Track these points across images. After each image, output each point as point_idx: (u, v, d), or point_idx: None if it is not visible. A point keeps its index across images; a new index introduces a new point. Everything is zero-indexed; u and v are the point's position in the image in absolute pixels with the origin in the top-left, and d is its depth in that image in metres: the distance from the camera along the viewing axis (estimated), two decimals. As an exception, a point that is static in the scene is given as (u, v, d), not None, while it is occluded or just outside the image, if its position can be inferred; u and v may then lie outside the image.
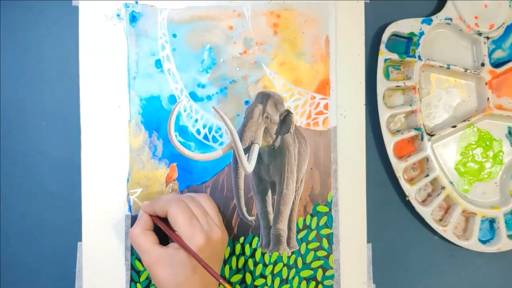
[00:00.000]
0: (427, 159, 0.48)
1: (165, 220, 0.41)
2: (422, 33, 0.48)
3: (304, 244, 0.47)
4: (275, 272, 0.47)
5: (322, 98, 0.47)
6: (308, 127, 0.47)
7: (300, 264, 0.47)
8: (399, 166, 0.47)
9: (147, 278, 0.45)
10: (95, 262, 0.45)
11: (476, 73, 0.48)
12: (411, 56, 0.48)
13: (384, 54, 0.47)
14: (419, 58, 0.48)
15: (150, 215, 0.42)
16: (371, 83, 0.48)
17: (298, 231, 0.47)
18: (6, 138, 0.46)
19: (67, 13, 0.46)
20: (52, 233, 0.46)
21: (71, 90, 0.46)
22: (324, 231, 0.47)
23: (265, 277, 0.47)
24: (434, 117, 0.50)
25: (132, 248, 0.45)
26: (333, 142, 0.47)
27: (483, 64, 0.49)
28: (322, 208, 0.47)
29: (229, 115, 0.46)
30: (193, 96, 0.47)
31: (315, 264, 0.47)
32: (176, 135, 0.46)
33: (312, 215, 0.47)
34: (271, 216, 0.47)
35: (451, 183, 0.48)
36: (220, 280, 0.37)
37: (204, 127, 0.47)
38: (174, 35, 0.46)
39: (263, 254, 0.47)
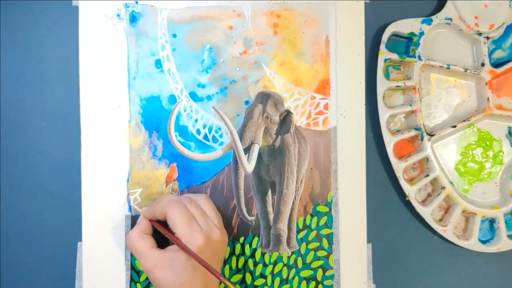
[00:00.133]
0: (427, 159, 0.48)
1: (164, 224, 0.41)
2: (422, 33, 0.48)
3: (304, 244, 0.47)
4: (275, 272, 0.47)
5: (322, 98, 0.47)
6: (308, 127, 0.47)
7: (300, 264, 0.47)
8: (399, 166, 0.47)
9: (147, 278, 0.45)
10: (95, 262, 0.45)
11: (476, 73, 0.48)
12: (411, 56, 0.48)
13: (384, 54, 0.47)
14: (419, 58, 0.48)
15: (150, 220, 0.42)
16: (371, 83, 0.48)
17: (298, 231, 0.47)
18: (6, 138, 0.46)
19: (67, 13, 0.46)
20: (52, 233, 0.46)
21: (71, 90, 0.46)
22: (324, 231, 0.47)
23: (265, 277, 0.47)
24: (434, 117, 0.50)
25: (132, 248, 0.45)
26: (333, 142, 0.47)
27: (483, 64, 0.49)
28: (322, 208, 0.47)
29: (229, 115, 0.46)
30: (193, 96, 0.47)
31: (315, 264, 0.47)
32: (176, 135, 0.46)
33: (312, 215, 0.47)
34: (271, 216, 0.47)
35: (451, 183, 0.48)
36: (221, 279, 0.37)
37: (204, 127, 0.47)
38: (174, 35, 0.46)
39: (263, 254, 0.47)
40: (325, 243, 0.47)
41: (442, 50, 0.49)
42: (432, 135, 0.48)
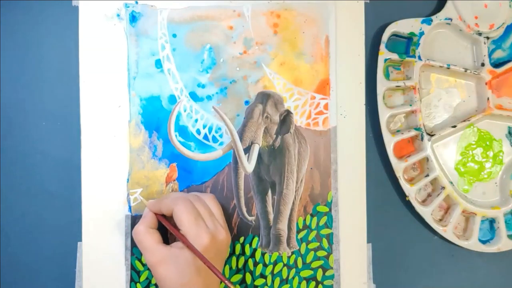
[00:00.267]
0: (427, 159, 0.48)
1: (170, 219, 0.41)
2: (422, 33, 0.48)
3: (304, 244, 0.47)
4: (275, 272, 0.47)
5: (322, 98, 0.47)
6: (308, 127, 0.47)
7: (300, 264, 0.47)
8: (399, 166, 0.47)
9: (147, 278, 0.45)
10: (95, 262, 0.45)
11: (476, 73, 0.48)
12: (411, 56, 0.48)
13: (384, 54, 0.47)
14: (419, 58, 0.48)
15: (156, 214, 0.42)
16: (371, 83, 0.48)
17: (298, 231, 0.47)
18: (6, 138, 0.46)
19: (67, 13, 0.46)
20: (52, 233, 0.46)
21: (71, 90, 0.46)
22: (324, 231, 0.47)
23: (265, 277, 0.47)
24: (434, 117, 0.50)
25: (132, 248, 0.45)
26: (333, 142, 0.47)
27: (483, 64, 0.49)
28: (322, 208, 0.47)
29: (229, 115, 0.46)
30: (193, 96, 0.47)
31: (315, 264, 0.47)
32: (176, 135, 0.46)
33: (312, 215, 0.47)
34: (271, 216, 0.47)
35: (451, 183, 0.48)
36: (226, 281, 0.37)
37: (204, 127, 0.47)
38: (174, 35, 0.46)
39: (263, 254, 0.47)
40: (325, 243, 0.47)
41: (442, 50, 0.49)
42: (432, 135, 0.48)
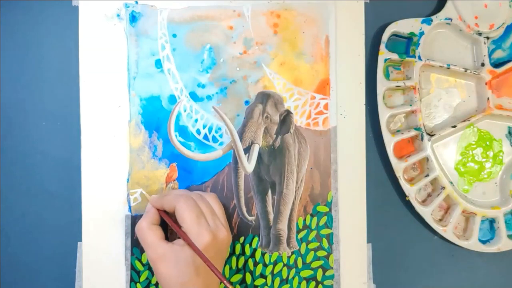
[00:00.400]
0: (427, 159, 0.48)
1: (172, 215, 0.41)
2: (422, 33, 0.48)
3: (304, 244, 0.47)
4: (275, 272, 0.47)
5: (322, 98, 0.47)
6: (308, 127, 0.47)
7: (300, 264, 0.47)
8: (399, 166, 0.47)
9: (147, 278, 0.45)
10: (95, 262, 0.45)
11: (476, 73, 0.48)
12: (411, 56, 0.48)
13: (384, 54, 0.47)
14: (419, 58, 0.48)
15: (158, 210, 0.42)
16: (371, 83, 0.48)
17: (298, 231, 0.47)
18: (6, 138, 0.46)
19: (67, 13, 0.46)
20: (52, 233, 0.46)
21: (71, 90, 0.46)
22: (324, 231, 0.47)
23: (265, 277, 0.47)
24: (434, 117, 0.50)
25: (132, 248, 0.45)
26: (333, 142, 0.47)
27: (483, 64, 0.49)
28: (322, 208, 0.47)
29: (229, 115, 0.46)
30: (193, 96, 0.47)
31: (315, 264, 0.47)
32: (176, 135, 0.46)
33: (312, 215, 0.47)
34: (271, 216, 0.47)
35: (451, 183, 0.48)
36: (224, 281, 0.37)
37: (204, 127, 0.47)
38: (174, 35, 0.46)
39: (263, 254, 0.47)
40: (325, 243, 0.47)
41: (442, 50, 0.49)
42: (432, 135, 0.48)
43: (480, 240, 0.48)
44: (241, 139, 0.46)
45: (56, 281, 0.46)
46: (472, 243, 0.48)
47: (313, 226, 0.47)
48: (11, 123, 0.46)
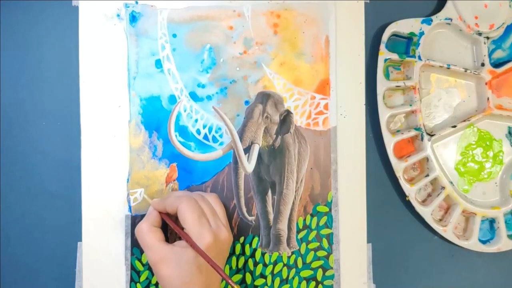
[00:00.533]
0: (427, 159, 0.48)
1: (173, 217, 0.41)
2: (422, 33, 0.48)
3: (304, 244, 0.47)
4: (275, 272, 0.47)
5: (322, 98, 0.47)
6: (308, 127, 0.47)
7: (300, 264, 0.47)
8: (399, 166, 0.47)
9: (147, 278, 0.45)
10: (95, 262, 0.45)
11: (476, 73, 0.48)
12: (411, 56, 0.48)
13: (384, 54, 0.47)
14: (419, 58, 0.48)
15: (160, 212, 0.42)
16: (371, 83, 0.48)
17: (298, 231, 0.47)
18: (6, 138, 0.46)
19: (67, 13, 0.46)
20: (52, 233, 0.46)
21: (71, 90, 0.46)
22: (324, 231, 0.47)
23: (265, 277, 0.47)
24: (434, 117, 0.50)
25: (132, 248, 0.45)
26: (333, 142, 0.47)
27: (483, 64, 0.49)
28: (322, 208, 0.47)
29: (229, 115, 0.46)
30: (193, 96, 0.47)
31: (315, 264, 0.47)
32: (176, 135, 0.46)
33: (312, 215, 0.47)
34: (271, 216, 0.47)
35: (451, 183, 0.48)
36: (229, 281, 0.37)
37: (204, 127, 0.47)
38: (174, 35, 0.46)
39: (263, 254, 0.47)
40: (325, 243, 0.47)
41: (442, 50, 0.50)
42: (432, 135, 0.48)
43: (480, 240, 0.48)
44: (241, 139, 0.46)
45: (56, 281, 0.46)
46: (472, 243, 0.48)
47: (313, 226, 0.47)
48: (11, 123, 0.46)
